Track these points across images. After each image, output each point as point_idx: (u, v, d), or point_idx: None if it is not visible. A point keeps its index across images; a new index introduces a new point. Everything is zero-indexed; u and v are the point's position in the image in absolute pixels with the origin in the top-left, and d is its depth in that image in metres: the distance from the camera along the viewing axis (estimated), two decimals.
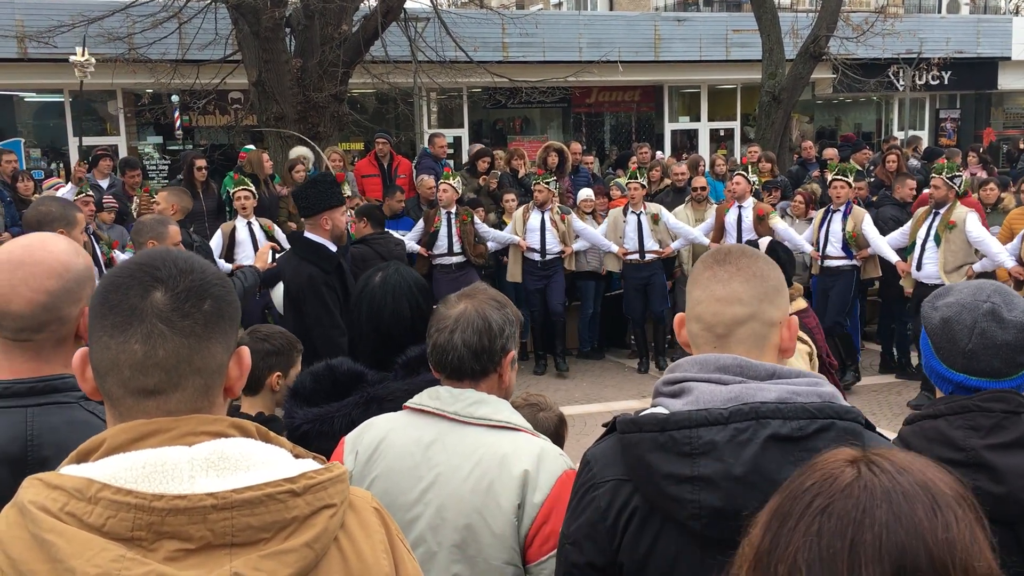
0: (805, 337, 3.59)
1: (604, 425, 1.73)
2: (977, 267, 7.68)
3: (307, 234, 4.66)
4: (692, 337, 1.69)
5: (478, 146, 11.65)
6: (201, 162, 9.24)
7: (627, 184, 9.19)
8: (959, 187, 7.80)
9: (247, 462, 1.13)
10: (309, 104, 10.52)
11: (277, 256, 5.62)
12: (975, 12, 22.34)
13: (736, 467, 1.46)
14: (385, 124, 13.89)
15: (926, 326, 2.00)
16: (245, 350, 1.29)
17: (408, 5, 11.53)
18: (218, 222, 9.63)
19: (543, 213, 8.99)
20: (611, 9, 23.13)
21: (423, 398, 2.15)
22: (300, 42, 10.76)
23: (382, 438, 2.17)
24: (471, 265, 8.95)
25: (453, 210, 8.84)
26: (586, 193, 9.71)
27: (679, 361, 1.67)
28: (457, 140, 16.25)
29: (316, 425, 2.50)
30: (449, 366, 2.12)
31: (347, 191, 8.28)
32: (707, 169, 11.71)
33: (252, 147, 10.91)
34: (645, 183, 9.33)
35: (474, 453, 2.05)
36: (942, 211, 7.76)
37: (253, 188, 7.92)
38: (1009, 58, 20.04)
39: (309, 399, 2.56)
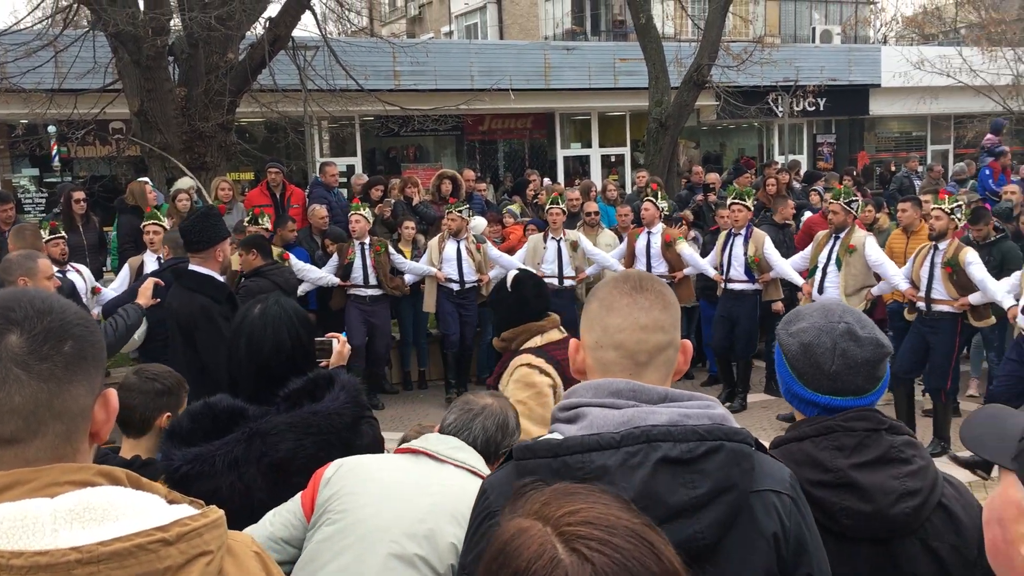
0: (548, 369, 3.53)
1: (502, 453, 1.72)
2: (875, 290, 7.87)
3: (195, 267, 4.56)
4: (605, 364, 1.68)
5: (364, 176, 11.57)
6: (79, 194, 8.89)
7: (548, 210, 9.23)
8: (856, 211, 8.03)
9: (116, 512, 1.07)
10: (195, 133, 10.26)
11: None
12: (846, 42, 23.49)
13: (627, 491, 1.46)
14: (276, 153, 13.68)
15: (786, 353, 2.01)
16: (112, 392, 1.23)
17: (297, 33, 11.40)
18: (99, 256, 9.29)
19: (458, 242, 8.97)
20: (501, 38, 23.43)
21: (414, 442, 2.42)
22: (184, 70, 10.50)
23: (367, 462, 2.34)
24: (387, 297, 8.85)
25: (366, 241, 8.73)
26: (475, 221, 9.73)
27: (574, 387, 1.68)
28: (350, 168, 16.11)
29: (196, 466, 2.43)
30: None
31: (266, 223, 8.14)
32: (599, 194, 11.91)
33: (146, 179, 10.59)
34: (565, 209, 9.40)
35: (444, 482, 2.25)
36: (842, 235, 7.89)
37: (164, 222, 7.65)
38: (879, 85, 21.12)
39: (187, 439, 2.48)
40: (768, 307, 8.89)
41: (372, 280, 8.71)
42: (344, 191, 11.77)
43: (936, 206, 7.25)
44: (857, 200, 8.08)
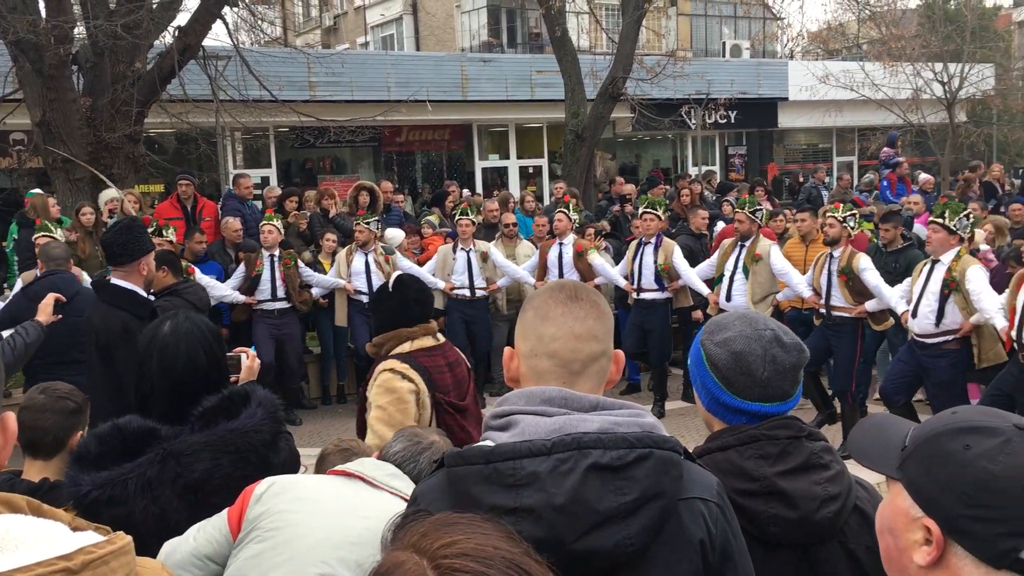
0: (412, 375, 3.53)
1: (434, 461, 1.71)
2: (780, 296, 8.11)
3: (117, 281, 4.39)
4: (539, 372, 1.69)
5: (276, 188, 11.38)
6: None
7: (458, 220, 9.21)
8: (761, 220, 8.26)
9: (15, 541, 1.01)
10: (101, 144, 9.93)
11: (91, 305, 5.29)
12: (755, 56, 24.15)
13: (558, 497, 1.48)
14: (187, 165, 13.34)
15: (714, 363, 1.99)
16: (10, 416, 1.16)
17: (208, 43, 11.16)
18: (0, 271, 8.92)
19: (366, 254, 8.86)
20: (418, 50, 23.38)
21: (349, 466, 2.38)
22: (89, 80, 10.16)
23: (301, 481, 2.27)
24: (294, 311, 8.69)
25: (276, 253, 8.56)
26: (392, 232, 9.67)
27: (507, 395, 1.68)
28: (265, 180, 15.82)
29: (107, 490, 2.33)
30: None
31: (171, 235, 7.90)
32: (517, 206, 11.95)
33: (38, 191, 10.18)
34: (475, 220, 9.37)
35: (379, 508, 2.16)
36: (747, 243, 8.09)
37: (57, 234, 7.35)
38: (786, 99, 21.75)
39: (96, 463, 2.37)
40: (686, 316, 9.04)
41: (280, 293, 8.55)
42: (259, 203, 11.56)
43: (830, 214, 7.52)
44: (761, 209, 8.30)
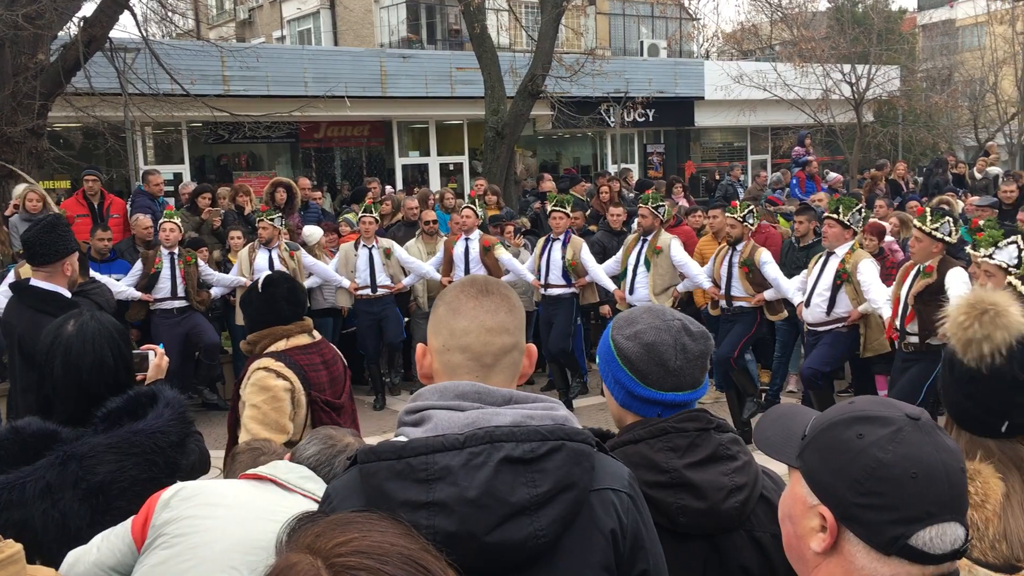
0: (287, 373, 3.54)
1: (348, 458, 1.70)
2: (680, 287, 8.34)
3: (37, 282, 4.22)
4: (452, 367, 1.69)
5: (191, 185, 11.11)
6: None
7: (359, 218, 9.12)
8: (663, 215, 8.44)
9: None
10: (2, 139, 9.54)
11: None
12: (672, 56, 24.55)
13: (470, 490, 1.49)
14: (95, 160, 12.91)
15: (626, 357, 2.01)
16: None
17: (115, 35, 10.81)
18: None
19: (270, 251, 8.71)
20: (336, 44, 23.08)
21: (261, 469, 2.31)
22: None
23: (209, 486, 2.20)
24: (193, 309, 8.49)
25: (176, 251, 8.35)
26: (310, 230, 9.53)
27: (421, 390, 1.68)
28: (177, 176, 15.43)
29: (4, 494, 2.26)
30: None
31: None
32: (437, 203, 11.90)
33: None
34: (378, 217, 9.31)
35: (291, 512, 2.08)
36: (649, 238, 8.29)
37: None
38: (703, 98, 22.17)
39: None
40: (596, 313, 9.20)
41: (180, 292, 8.35)
42: (172, 200, 11.27)
43: (729, 215, 7.74)
44: (663, 205, 8.47)
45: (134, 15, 11.03)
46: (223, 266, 9.15)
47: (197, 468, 2.78)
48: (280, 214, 9.15)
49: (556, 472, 1.54)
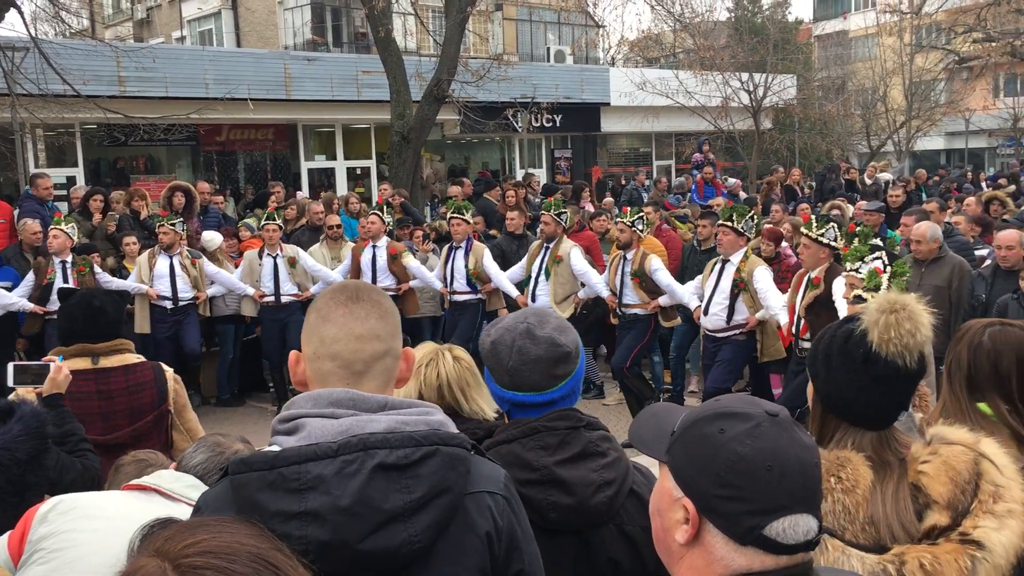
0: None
1: (220, 469, 1.66)
2: (581, 294, 8.36)
3: None
4: (322, 374, 1.68)
5: (82, 188, 10.74)
6: None
7: (263, 226, 8.94)
8: (565, 222, 8.49)
9: None
10: None
11: None
12: (579, 62, 24.86)
13: (343, 499, 1.48)
14: None
15: (482, 354, 2.13)
16: None
17: (1, 33, 10.38)
18: None
19: (171, 258, 8.47)
20: (238, 46, 22.62)
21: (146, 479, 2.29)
22: None
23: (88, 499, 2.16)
24: None
25: (68, 259, 8.04)
26: (209, 235, 9.32)
27: (294, 398, 1.66)
28: (71, 180, 14.86)
29: None
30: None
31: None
32: (342, 207, 11.78)
33: None
34: (281, 224, 9.14)
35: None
36: (551, 245, 8.31)
37: None
38: (608, 104, 22.50)
39: None
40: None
41: None
42: (66, 204, 10.86)
43: (619, 219, 7.85)
44: (565, 212, 8.54)
45: (21, 13, 10.61)
46: (118, 273, 8.86)
47: (80, 484, 2.70)
48: (181, 219, 8.91)
49: (430, 477, 1.55)
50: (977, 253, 7.95)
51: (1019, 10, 21.37)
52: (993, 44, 22.57)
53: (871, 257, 4.87)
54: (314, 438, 1.55)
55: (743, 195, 14.73)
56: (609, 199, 12.76)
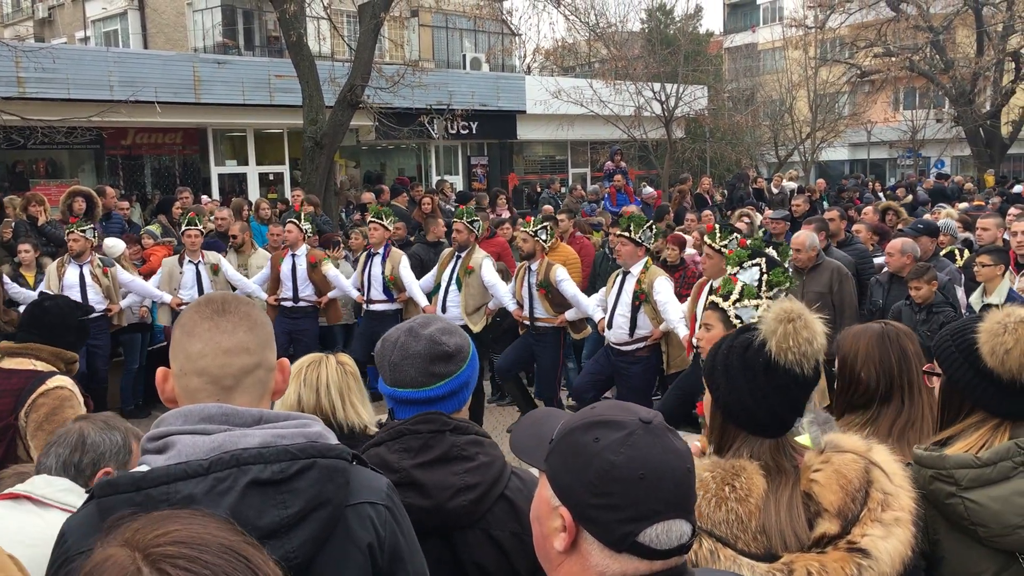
0: None
1: (87, 491, 1.59)
2: (491, 305, 8.21)
3: None
4: (190, 392, 1.62)
5: None
6: None
7: (185, 231, 8.67)
8: (478, 231, 8.42)
9: None
10: None
11: None
12: (495, 70, 24.95)
13: None
14: None
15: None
16: None
17: None
18: None
19: (81, 266, 8.16)
20: (145, 47, 22.02)
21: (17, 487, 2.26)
22: None
23: None
24: None
25: None
26: (111, 242, 9.02)
27: (164, 415, 1.60)
28: None
29: None
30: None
31: None
32: (252, 214, 11.57)
33: None
34: (203, 230, 8.88)
35: (45, 531, 2.02)
36: (463, 255, 8.12)
37: None
38: (524, 111, 22.64)
39: None
40: None
41: None
42: None
43: (523, 229, 7.81)
44: (477, 220, 8.48)
45: None
46: (16, 281, 8.49)
47: None
48: (92, 226, 8.58)
49: (308, 491, 1.52)
50: (876, 260, 8.25)
51: (917, 27, 22.30)
52: (893, 59, 23.47)
53: (749, 263, 4.92)
54: (184, 456, 1.50)
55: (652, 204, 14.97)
56: (548, 207, 12.69)
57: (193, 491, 1.45)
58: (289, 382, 2.00)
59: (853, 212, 11.31)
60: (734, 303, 3.70)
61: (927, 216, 10.45)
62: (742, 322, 3.61)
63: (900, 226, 9.33)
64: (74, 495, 2.24)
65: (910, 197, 17.05)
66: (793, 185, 17.61)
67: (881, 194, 19.25)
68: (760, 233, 9.47)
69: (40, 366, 3.63)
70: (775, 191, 16.62)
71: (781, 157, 25.33)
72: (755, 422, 1.96)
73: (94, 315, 8.07)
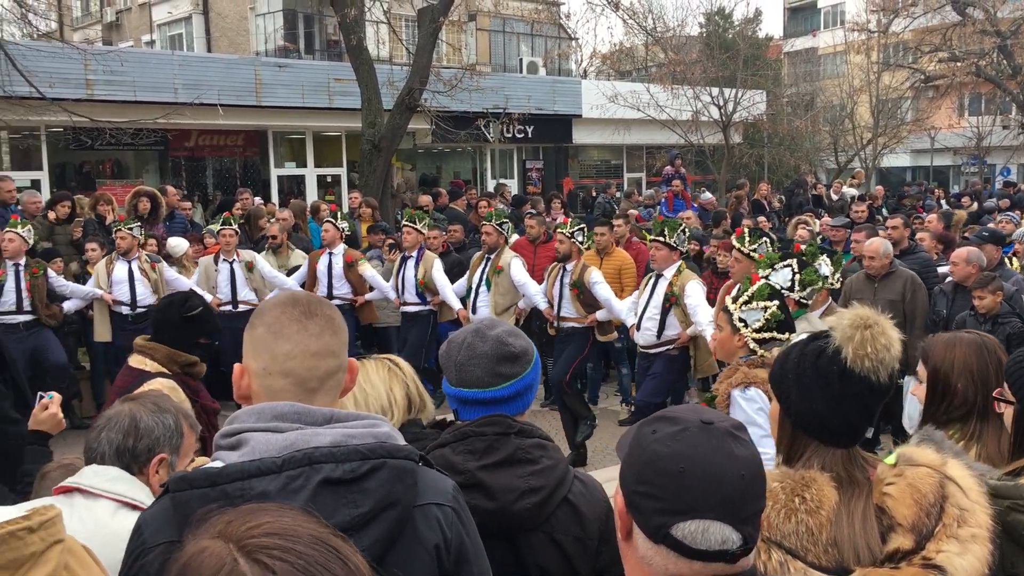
0: None
1: (162, 486, 1.63)
2: (521, 305, 8.27)
3: None
4: (273, 391, 1.64)
5: (36, 195, 10.59)
6: None
7: (220, 231, 8.86)
8: (507, 233, 8.46)
9: None
10: None
11: None
12: (551, 74, 24.95)
13: None
14: None
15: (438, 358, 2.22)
16: None
17: None
18: None
19: (129, 263, 8.36)
20: (209, 51, 22.46)
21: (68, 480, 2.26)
22: None
23: None
24: (42, 324, 8.05)
25: (22, 262, 7.93)
26: (175, 241, 9.22)
27: (237, 412, 1.62)
28: (35, 183, 14.66)
29: None
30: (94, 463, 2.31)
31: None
32: (311, 216, 11.72)
33: None
34: (238, 229, 9.06)
35: (96, 524, 2.05)
36: (492, 256, 8.24)
37: None
38: (580, 115, 22.60)
39: None
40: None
41: (27, 305, 7.92)
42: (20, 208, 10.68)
43: (560, 230, 7.83)
44: (507, 223, 8.51)
45: None
46: (82, 278, 8.74)
47: None
48: (139, 224, 8.80)
49: (378, 491, 1.53)
50: (940, 270, 8.07)
51: (984, 31, 21.76)
52: (958, 64, 22.94)
53: (781, 264, 4.85)
54: (258, 453, 1.52)
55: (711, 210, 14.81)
56: (634, 212, 12.57)
57: (267, 488, 1.47)
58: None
59: (915, 220, 11.07)
60: (741, 305, 3.66)
61: (991, 224, 10.18)
62: (746, 325, 3.58)
63: (967, 234, 9.12)
64: (124, 483, 2.24)
65: (975, 205, 16.63)
66: (853, 191, 17.29)
67: (944, 201, 18.81)
68: (818, 240, 9.34)
69: (150, 366, 3.69)
70: (835, 197, 16.33)
71: (841, 163, 24.91)
72: (828, 431, 1.93)
73: (142, 309, 8.23)
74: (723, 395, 3.53)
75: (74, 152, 16.56)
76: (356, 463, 1.52)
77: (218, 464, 1.54)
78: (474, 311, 8.20)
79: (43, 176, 15.71)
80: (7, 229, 8.02)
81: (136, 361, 3.70)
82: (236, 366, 1.70)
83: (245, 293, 8.72)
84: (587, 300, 7.58)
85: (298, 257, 9.43)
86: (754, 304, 3.63)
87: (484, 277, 8.20)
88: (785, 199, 16.79)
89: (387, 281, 8.96)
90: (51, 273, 8.11)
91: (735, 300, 3.69)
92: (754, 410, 3.36)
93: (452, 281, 8.63)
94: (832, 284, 5.88)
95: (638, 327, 7.03)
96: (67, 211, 9.71)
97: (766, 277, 4.99)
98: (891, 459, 1.98)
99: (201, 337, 3.83)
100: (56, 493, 2.23)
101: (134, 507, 2.19)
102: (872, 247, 7.02)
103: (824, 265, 5.72)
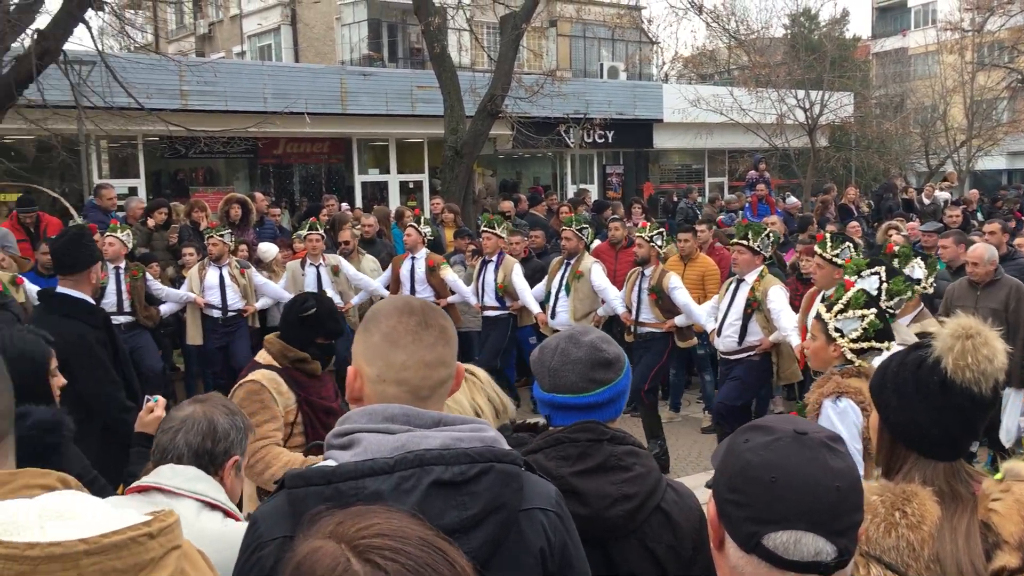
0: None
1: (276, 483, 1.69)
2: (601, 311, 8.23)
3: (64, 290, 4.46)
4: (387, 398, 1.69)
5: (139, 201, 11.01)
6: None
7: (307, 236, 9.07)
8: (587, 238, 8.42)
9: (76, 511, 1.15)
10: None
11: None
12: (632, 79, 24.80)
13: None
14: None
15: (530, 364, 2.23)
16: None
17: (70, 47, 10.68)
18: None
19: (220, 268, 8.63)
20: (296, 61, 23.01)
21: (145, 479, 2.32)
22: None
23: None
24: (141, 326, 8.37)
25: (122, 265, 8.26)
26: (266, 247, 9.47)
27: (348, 413, 1.68)
28: (132, 191, 15.25)
29: None
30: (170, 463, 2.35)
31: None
32: (395, 221, 11.90)
33: None
34: (324, 234, 9.26)
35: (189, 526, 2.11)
36: (572, 261, 8.20)
37: None
38: (661, 120, 22.39)
39: None
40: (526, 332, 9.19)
41: (127, 307, 8.23)
42: (121, 214, 11.12)
43: (638, 234, 7.74)
44: (587, 228, 8.46)
45: (89, 29, 10.93)
46: (178, 283, 9.05)
47: None
48: (230, 230, 9.08)
49: (486, 494, 1.56)
50: None
51: None
52: None
53: (869, 272, 4.73)
54: (370, 453, 1.56)
55: (798, 215, 14.52)
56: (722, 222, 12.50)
57: (380, 488, 1.51)
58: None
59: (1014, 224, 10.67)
60: (836, 314, 3.56)
61: None
62: (842, 335, 3.48)
63: None
64: (203, 483, 2.28)
65: None
66: (946, 195, 16.75)
67: None
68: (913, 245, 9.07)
69: (264, 358, 3.85)
70: (926, 202, 15.84)
71: (932, 166, 24.15)
72: (927, 443, 1.88)
73: (232, 313, 8.51)
74: (814, 404, 3.46)
75: (169, 160, 17.16)
76: (465, 466, 1.56)
77: (331, 463, 1.59)
78: (553, 316, 8.21)
79: (140, 184, 16.31)
80: (107, 233, 8.36)
81: (259, 354, 3.87)
82: (349, 369, 1.75)
83: (331, 296, 8.90)
84: (666, 305, 7.54)
85: (369, 263, 9.57)
86: (850, 313, 3.55)
87: (564, 282, 8.20)
88: (874, 203, 16.36)
89: (468, 286, 9.05)
90: (148, 277, 8.42)
91: (829, 308, 3.61)
92: (845, 423, 3.29)
93: (534, 287, 8.67)
94: (925, 288, 5.71)
95: (719, 333, 6.94)
96: (164, 217, 10.08)
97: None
98: (998, 475, 1.93)
99: (319, 337, 3.90)
100: (131, 492, 2.29)
101: (214, 507, 2.24)
102: (976, 253, 6.78)
103: (918, 268, 5.56)
